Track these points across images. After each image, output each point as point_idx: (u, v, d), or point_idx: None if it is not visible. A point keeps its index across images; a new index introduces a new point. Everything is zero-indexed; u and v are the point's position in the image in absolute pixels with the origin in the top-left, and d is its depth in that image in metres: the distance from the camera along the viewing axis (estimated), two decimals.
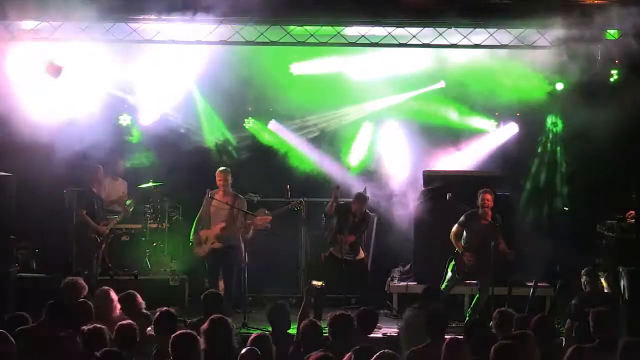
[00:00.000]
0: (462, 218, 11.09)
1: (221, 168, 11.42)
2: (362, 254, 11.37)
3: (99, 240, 11.55)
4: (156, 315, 7.50)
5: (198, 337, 6.43)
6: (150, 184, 12.71)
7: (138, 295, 8.52)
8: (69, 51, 11.63)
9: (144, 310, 8.40)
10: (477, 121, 13.38)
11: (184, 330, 6.57)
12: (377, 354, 6.24)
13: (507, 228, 11.39)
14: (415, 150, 13.25)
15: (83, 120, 12.37)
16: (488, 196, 10.99)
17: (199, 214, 11.37)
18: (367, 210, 11.48)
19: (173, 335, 6.40)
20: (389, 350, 6.35)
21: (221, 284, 11.29)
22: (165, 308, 7.59)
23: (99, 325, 6.95)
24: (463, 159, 13.22)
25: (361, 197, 11.30)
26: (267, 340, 6.86)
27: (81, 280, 8.92)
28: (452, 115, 13.18)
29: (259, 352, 6.48)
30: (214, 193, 11.25)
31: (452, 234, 11.11)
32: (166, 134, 13.04)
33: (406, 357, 7.06)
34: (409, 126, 13.29)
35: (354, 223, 11.21)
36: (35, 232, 12.27)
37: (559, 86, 12.61)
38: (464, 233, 11.08)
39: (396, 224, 12.59)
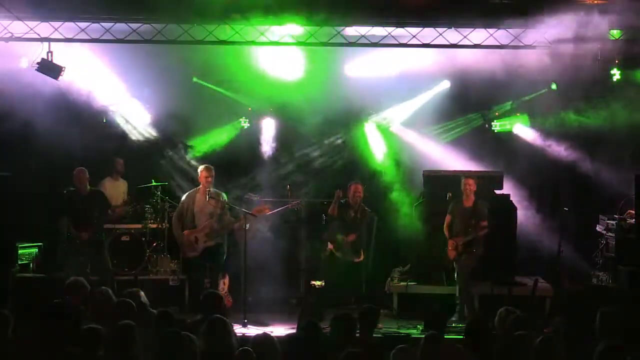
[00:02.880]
0: (449, 207, 11.40)
1: (205, 165, 11.44)
2: (361, 257, 11.38)
3: (77, 243, 11.46)
4: (155, 316, 7.51)
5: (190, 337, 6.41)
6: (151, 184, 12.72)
7: (142, 293, 8.52)
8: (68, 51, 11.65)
9: (149, 309, 8.40)
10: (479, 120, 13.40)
11: (171, 329, 6.53)
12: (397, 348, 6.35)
13: (508, 228, 11.44)
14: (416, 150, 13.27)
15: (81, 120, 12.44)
16: (470, 181, 11.31)
17: (177, 215, 11.44)
18: (364, 206, 11.57)
19: (161, 333, 6.39)
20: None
21: (222, 284, 11.33)
22: (162, 309, 7.62)
23: (95, 326, 6.92)
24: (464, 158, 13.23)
25: (354, 182, 11.38)
26: (271, 340, 6.83)
27: (83, 281, 8.91)
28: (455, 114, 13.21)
29: (261, 352, 6.47)
30: (196, 191, 11.33)
31: (444, 225, 11.40)
32: (164, 133, 13.04)
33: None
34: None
35: (354, 219, 11.22)
36: (35, 232, 12.27)
37: (554, 86, 12.64)
38: (452, 221, 11.35)
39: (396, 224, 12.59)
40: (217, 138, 13.48)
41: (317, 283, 10.51)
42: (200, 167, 11.41)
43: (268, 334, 7.16)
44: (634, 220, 11.27)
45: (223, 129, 13.51)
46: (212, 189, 11.23)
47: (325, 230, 11.70)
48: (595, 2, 10.60)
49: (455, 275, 11.33)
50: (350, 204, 11.25)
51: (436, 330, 7.05)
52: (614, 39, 11.16)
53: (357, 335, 7.43)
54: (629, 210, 11.69)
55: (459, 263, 11.23)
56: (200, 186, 11.32)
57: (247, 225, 10.98)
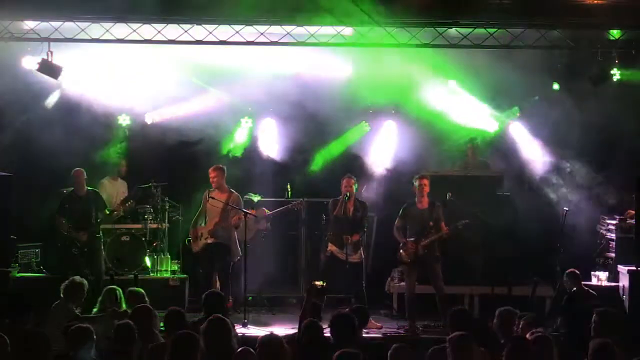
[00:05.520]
0: (400, 210, 11.23)
1: (214, 166, 11.53)
2: (359, 256, 11.39)
3: (78, 245, 11.45)
4: (166, 314, 7.54)
5: (198, 337, 6.42)
6: (151, 184, 12.71)
7: (144, 294, 8.54)
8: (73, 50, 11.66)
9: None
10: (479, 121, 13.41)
11: (185, 331, 6.55)
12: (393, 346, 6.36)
13: (509, 228, 11.47)
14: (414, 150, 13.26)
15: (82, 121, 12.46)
16: (425, 181, 11.14)
17: (198, 212, 11.59)
18: (363, 200, 11.61)
19: (174, 335, 6.39)
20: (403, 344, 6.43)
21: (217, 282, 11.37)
22: (174, 307, 7.67)
23: (83, 325, 6.93)
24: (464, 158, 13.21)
25: (346, 176, 11.42)
26: (278, 340, 6.79)
27: (82, 281, 8.92)
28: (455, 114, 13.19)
29: (268, 353, 6.46)
30: (211, 191, 11.43)
31: (394, 228, 11.26)
32: (168, 133, 13.02)
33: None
34: (410, 126, 13.28)
35: (353, 219, 11.26)
36: (36, 232, 12.28)
37: (555, 86, 12.65)
38: (406, 224, 11.19)
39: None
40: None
41: (319, 283, 10.51)
42: (210, 168, 11.50)
43: (275, 335, 7.12)
44: (634, 220, 11.27)
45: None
46: (225, 188, 11.39)
47: (326, 230, 11.71)
48: (595, 2, 10.60)
49: (405, 276, 11.28)
50: (347, 200, 11.28)
51: (462, 330, 7.02)
52: (613, 38, 11.18)
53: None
54: (629, 210, 11.70)
55: (422, 265, 11.11)
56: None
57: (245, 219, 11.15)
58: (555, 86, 12.69)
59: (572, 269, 10.31)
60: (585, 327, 7.74)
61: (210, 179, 11.41)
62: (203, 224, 11.49)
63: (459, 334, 6.66)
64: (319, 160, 13.36)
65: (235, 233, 11.40)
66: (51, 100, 12.70)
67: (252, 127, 13.60)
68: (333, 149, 13.50)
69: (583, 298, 9.64)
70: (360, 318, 7.87)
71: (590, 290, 10.27)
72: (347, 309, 8.22)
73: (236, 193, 11.49)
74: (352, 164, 13.24)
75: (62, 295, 8.76)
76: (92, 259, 11.47)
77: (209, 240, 11.38)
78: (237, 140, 13.53)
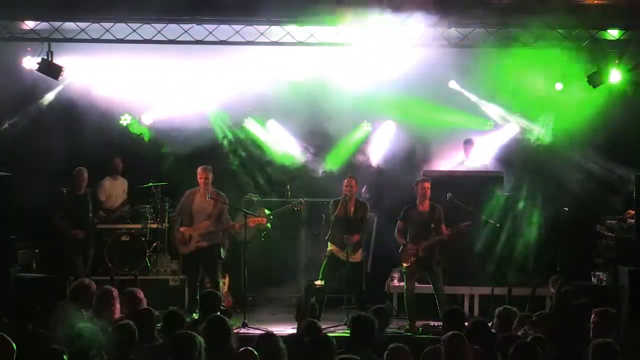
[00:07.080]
0: (402, 213, 11.20)
1: (202, 166, 11.39)
2: (359, 256, 11.38)
3: (76, 244, 11.44)
4: (164, 315, 7.54)
5: (197, 337, 6.42)
6: (150, 184, 12.72)
7: (141, 293, 8.54)
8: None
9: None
10: (476, 121, 13.40)
11: (184, 331, 6.55)
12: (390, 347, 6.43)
13: (508, 228, 11.46)
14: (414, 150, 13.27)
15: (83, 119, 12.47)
16: (427, 184, 11.12)
17: (177, 213, 11.58)
18: (363, 201, 11.60)
19: (172, 335, 6.40)
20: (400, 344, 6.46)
21: (222, 283, 11.35)
22: (172, 308, 7.66)
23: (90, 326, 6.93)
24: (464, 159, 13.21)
25: (347, 176, 11.40)
26: (276, 339, 6.80)
27: (91, 282, 8.91)
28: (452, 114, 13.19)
29: (266, 352, 6.46)
30: (195, 191, 11.33)
31: (396, 230, 11.22)
32: (168, 132, 13.04)
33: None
34: (408, 126, 13.28)
35: (354, 219, 11.24)
36: (36, 232, 12.28)
37: (558, 86, 12.64)
38: (407, 227, 11.16)
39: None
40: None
41: (318, 283, 10.53)
42: (199, 168, 11.36)
43: (272, 333, 7.13)
44: (634, 220, 11.26)
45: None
46: (212, 190, 11.24)
47: (326, 230, 11.71)
48: (595, 2, 10.62)
49: (406, 278, 11.20)
50: (347, 200, 11.28)
51: (456, 329, 7.03)
52: (613, 38, 11.19)
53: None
54: (629, 210, 11.69)
55: (423, 268, 11.10)
56: (199, 187, 11.31)
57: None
58: (559, 86, 12.68)
59: (556, 275, 10.35)
60: (579, 326, 7.76)
61: (202, 180, 11.20)
62: (187, 225, 11.36)
63: (452, 333, 6.70)
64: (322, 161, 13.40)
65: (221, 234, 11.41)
66: (48, 98, 12.70)
67: (254, 127, 13.60)
68: (334, 149, 13.51)
69: (573, 298, 9.64)
70: (382, 319, 7.90)
71: (580, 290, 10.26)
72: (371, 309, 8.21)
73: (222, 194, 11.38)
74: (352, 164, 13.26)
75: (68, 296, 8.74)
76: (85, 259, 11.48)
77: (202, 244, 11.27)
78: (239, 140, 13.54)
